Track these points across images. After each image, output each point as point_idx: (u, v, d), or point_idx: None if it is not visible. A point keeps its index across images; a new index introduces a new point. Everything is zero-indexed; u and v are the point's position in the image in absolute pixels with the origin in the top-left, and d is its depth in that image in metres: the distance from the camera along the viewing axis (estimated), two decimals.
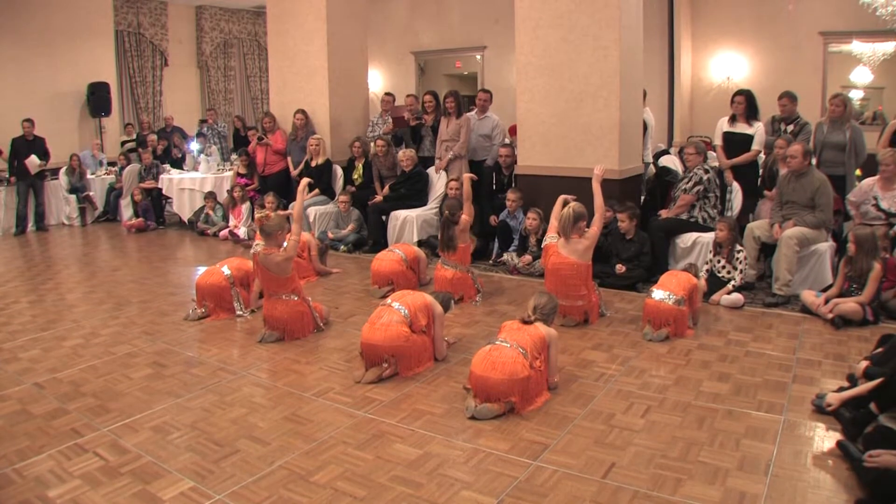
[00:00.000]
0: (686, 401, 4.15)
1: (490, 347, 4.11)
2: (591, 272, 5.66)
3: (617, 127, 7.00)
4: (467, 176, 6.51)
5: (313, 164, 9.28)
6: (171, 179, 10.98)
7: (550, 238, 5.61)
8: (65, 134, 12.18)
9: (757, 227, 6.47)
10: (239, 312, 6.03)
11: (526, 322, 4.28)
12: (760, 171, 7.34)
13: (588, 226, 5.59)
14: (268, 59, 10.71)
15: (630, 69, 7.16)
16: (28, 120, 10.57)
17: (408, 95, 10.44)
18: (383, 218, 8.59)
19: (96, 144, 12.49)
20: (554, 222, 5.70)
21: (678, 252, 6.76)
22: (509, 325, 4.32)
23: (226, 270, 6.08)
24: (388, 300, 4.80)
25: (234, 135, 13.18)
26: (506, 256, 7.45)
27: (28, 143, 10.57)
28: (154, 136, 12.26)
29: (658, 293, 5.27)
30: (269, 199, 8.75)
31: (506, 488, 3.25)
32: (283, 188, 9.63)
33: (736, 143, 7.21)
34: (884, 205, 6.16)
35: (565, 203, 5.56)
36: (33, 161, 10.53)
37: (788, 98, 7.38)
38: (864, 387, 3.72)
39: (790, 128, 7.30)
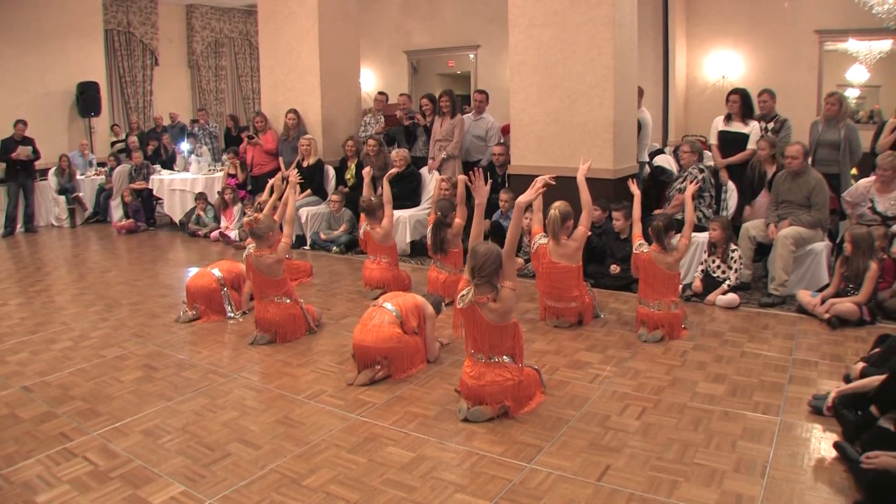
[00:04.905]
0: (682, 402, 4.12)
1: (472, 363, 4.03)
2: (582, 272, 5.62)
3: (611, 126, 6.97)
4: (461, 178, 6.47)
5: (305, 164, 9.22)
6: (162, 180, 10.92)
7: (540, 239, 5.57)
8: (54, 134, 12.08)
9: (752, 227, 6.45)
10: (230, 314, 5.99)
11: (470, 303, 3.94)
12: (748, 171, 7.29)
13: (576, 224, 5.54)
14: (259, 58, 10.66)
15: (624, 68, 7.14)
16: (22, 121, 10.48)
17: (401, 94, 10.41)
18: None
19: (84, 145, 12.41)
20: (538, 214, 5.65)
21: None
22: (468, 331, 4.03)
23: (216, 272, 6.03)
24: (380, 301, 4.77)
25: (226, 135, 13.11)
26: None
27: (17, 144, 10.46)
28: (135, 139, 12.15)
29: (648, 306, 5.28)
30: (262, 198, 8.69)
31: (500, 491, 3.22)
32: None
33: (731, 142, 7.18)
34: (880, 208, 6.15)
35: (545, 185, 5.21)
36: (23, 151, 10.43)
37: (768, 94, 7.34)
38: (866, 381, 3.67)
39: (770, 125, 7.27)
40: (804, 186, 6.19)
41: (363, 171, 7.40)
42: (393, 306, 4.62)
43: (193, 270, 6.79)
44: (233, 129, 12.05)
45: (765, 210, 6.65)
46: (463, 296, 3.93)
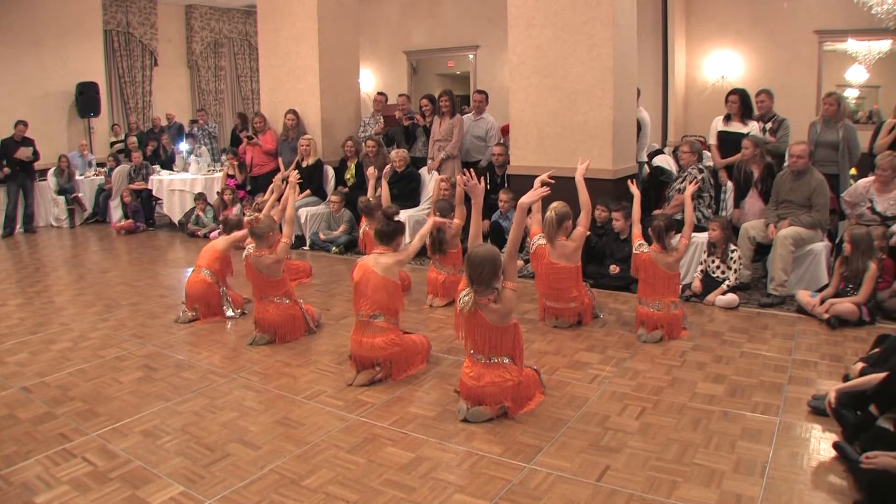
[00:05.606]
0: (681, 402, 4.12)
1: (472, 363, 4.01)
2: (581, 273, 5.62)
3: (611, 126, 6.97)
4: (461, 178, 6.45)
5: (304, 164, 9.22)
6: (162, 181, 10.92)
7: (540, 240, 5.56)
8: (53, 135, 12.08)
9: (752, 227, 6.45)
10: (229, 314, 5.98)
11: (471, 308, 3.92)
12: (734, 173, 7.26)
13: (575, 224, 5.54)
14: (258, 58, 10.65)
15: (624, 68, 7.14)
16: (22, 122, 10.49)
17: (400, 95, 10.41)
18: None
19: (83, 145, 12.40)
20: (537, 215, 5.65)
21: None
22: (469, 332, 4.01)
23: (206, 273, 6.01)
24: (364, 311, 4.57)
25: (233, 133, 13.04)
26: None
27: (17, 144, 10.48)
28: (134, 140, 12.13)
29: (647, 306, 5.28)
30: (260, 199, 8.68)
31: (499, 492, 3.22)
32: None
33: (731, 143, 7.18)
34: (879, 208, 6.15)
35: (543, 184, 4.78)
36: (24, 152, 10.47)
37: (766, 94, 7.35)
38: (865, 379, 3.67)
39: (769, 125, 7.27)
40: (805, 187, 6.19)
41: (367, 172, 7.39)
42: (378, 312, 4.54)
43: (191, 271, 6.79)
44: (238, 127, 12.05)
45: (754, 212, 6.65)
46: (464, 301, 3.92)
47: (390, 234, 4.77)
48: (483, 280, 3.86)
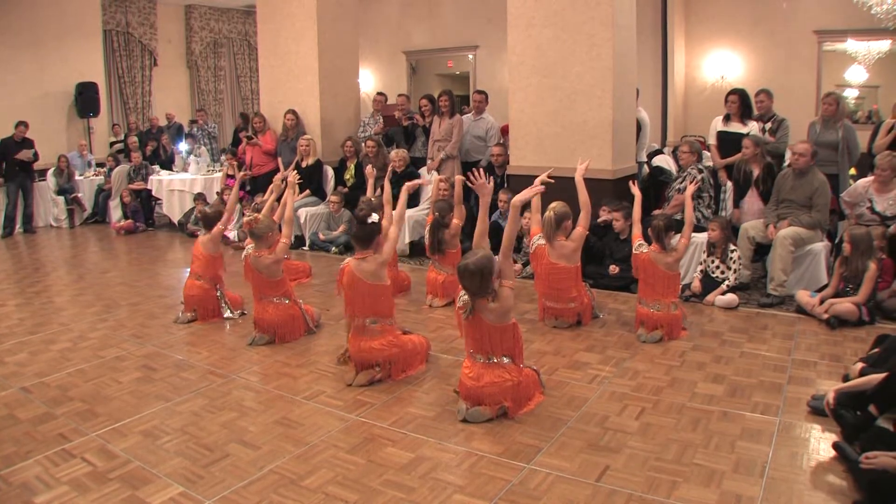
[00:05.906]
0: (681, 402, 4.12)
1: (471, 363, 4.02)
2: (581, 273, 5.62)
3: (610, 126, 6.97)
4: (459, 178, 6.45)
5: (303, 164, 9.22)
6: (161, 181, 10.92)
7: (539, 240, 5.56)
8: (52, 135, 12.06)
9: (751, 227, 6.45)
10: (227, 315, 5.98)
11: (470, 312, 3.95)
12: (734, 173, 7.25)
13: (574, 224, 5.54)
14: (258, 58, 10.65)
15: (624, 68, 7.14)
16: (23, 123, 10.49)
17: (399, 95, 10.41)
18: None
19: (83, 145, 12.39)
20: (536, 215, 5.65)
21: None
22: (468, 332, 4.02)
23: (200, 280, 6.00)
24: (361, 316, 4.57)
25: (234, 133, 13.03)
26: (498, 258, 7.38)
27: (17, 144, 10.48)
28: (135, 139, 12.13)
29: (647, 306, 5.27)
30: (260, 199, 8.68)
31: (499, 492, 3.21)
32: None
33: (730, 143, 7.18)
34: (878, 207, 6.15)
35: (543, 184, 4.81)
36: (25, 153, 10.49)
37: (766, 94, 7.35)
38: (865, 379, 3.66)
39: (768, 125, 7.27)
40: (807, 187, 6.18)
41: (366, 172, 7.39)
42: (373, 317, 4.54)
43: (189, 272, 6.79)
44: (240, 127, 12.04)
45: (754, 211, 6.65)
46: (463, 301, 3.94)
47: (365, 238, 4.63)
48: (476, 290, 3.90)
